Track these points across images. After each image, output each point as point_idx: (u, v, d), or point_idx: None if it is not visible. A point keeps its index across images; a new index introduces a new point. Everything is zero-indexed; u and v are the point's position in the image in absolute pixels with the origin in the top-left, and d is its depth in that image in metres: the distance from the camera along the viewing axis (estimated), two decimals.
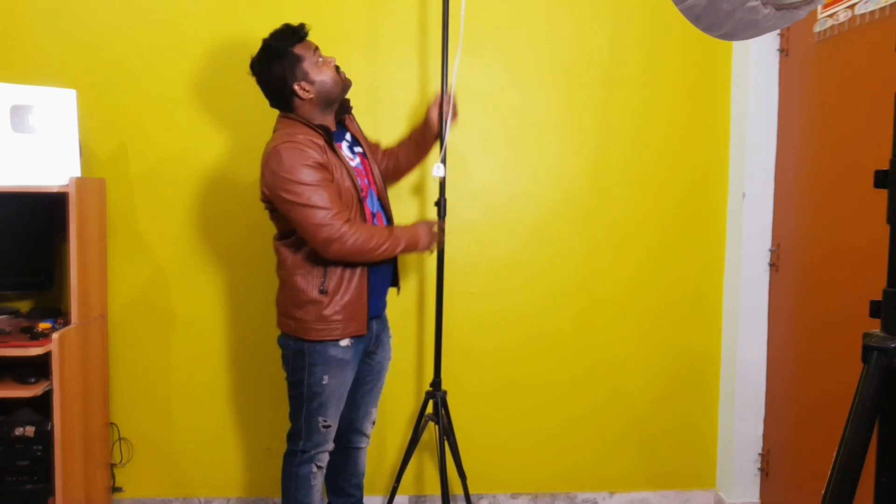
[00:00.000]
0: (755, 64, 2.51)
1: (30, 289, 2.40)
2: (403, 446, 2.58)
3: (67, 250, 2.18)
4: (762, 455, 2.60)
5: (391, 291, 2.21)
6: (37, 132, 2.16)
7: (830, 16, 2.17)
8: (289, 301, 2.00)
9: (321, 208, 1.84)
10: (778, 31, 2.45)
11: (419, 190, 2.55)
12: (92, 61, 2.44)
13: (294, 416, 2.07)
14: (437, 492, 2.64)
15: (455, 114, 2.19)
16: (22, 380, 2.09)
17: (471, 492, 2.47)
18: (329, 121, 2.02)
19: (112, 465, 2.51)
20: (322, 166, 1.86)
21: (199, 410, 2.55)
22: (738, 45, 2.60)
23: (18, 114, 2.14)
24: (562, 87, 2.58)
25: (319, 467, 2.08)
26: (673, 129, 2.62)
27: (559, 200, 2.61)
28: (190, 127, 2.47)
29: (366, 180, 2.04)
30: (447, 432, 2.30)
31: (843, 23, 2.11)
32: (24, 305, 2.46)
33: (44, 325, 2.16)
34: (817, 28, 2.25)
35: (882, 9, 1.93)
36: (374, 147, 2.27)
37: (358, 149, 2.09)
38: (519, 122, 2.58)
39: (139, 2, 2.44)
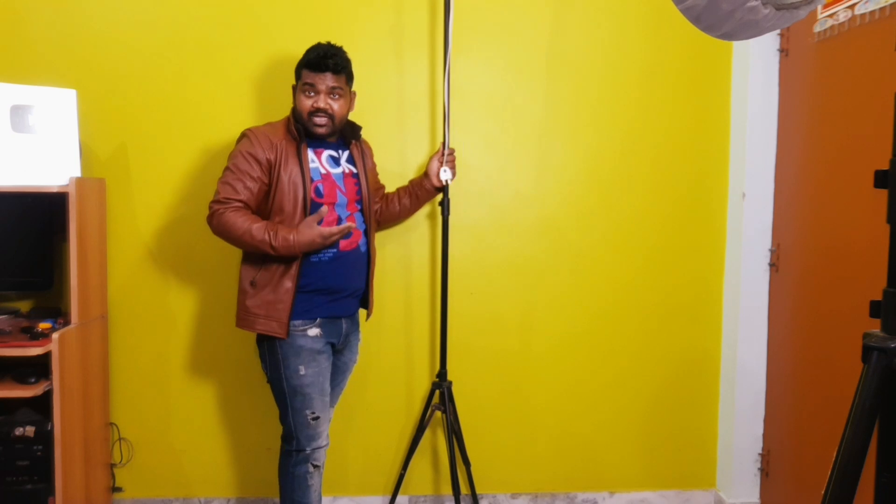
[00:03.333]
0: (755, 64, 2.51)
1: (30, 289, 2.40)
2: (401, 446, 2.59)
3: (67, 250, 2.18)
4: (762, 455, 2.60)
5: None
6: (37, 132, 2.16)
7: (830, 16, 2.17)
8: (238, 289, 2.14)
9: (223, 185, 2.01)
10: (778, 31, 2.45)
11: None
12: (92, 61, 2.44)
13: (282, 416, 2.09)
14: (437, 492, 2.64)
15: (454, 173, 2.35)
16: (22, 380, 2.09)
17: None
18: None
19: (112, 465, 2.51)
20: (254, 158, 2.00)
21: (199, 410, 2.55)
22: (738, 45, 2.60)
23: (18, 114, 2.14)
24: (562, 87, 2.58)
25: (316, 466, 2.10)
26: (673, 129, 2.62)
27: (560, 200, 2.61)
28: (190, 127, 2.47)
29: (338, 191, 2.09)
30: (453, 421, 2.36)
31: (843, 23, 2.11)
32: (24, 305, 2.46)
33: (44, 325, 2.16)
34: (817, 28, 2.25)
35: (882, 9, 1.93)
36: (379, 186, 2.40)
37: (350, 167, 2.16)
38: (519, 122, 2.58)
39: (139, 2, 2.44)
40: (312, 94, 2.03)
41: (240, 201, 2.00)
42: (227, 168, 2.03)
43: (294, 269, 2.02)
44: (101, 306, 2.40)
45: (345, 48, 2.08)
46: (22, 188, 2.14)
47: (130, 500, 2.56)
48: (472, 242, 2.60)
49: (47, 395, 2.08)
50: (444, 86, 2.37)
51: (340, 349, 2.21)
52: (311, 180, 2.03)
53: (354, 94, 2.16)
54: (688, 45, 2.59)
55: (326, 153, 2.11)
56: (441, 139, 2.45)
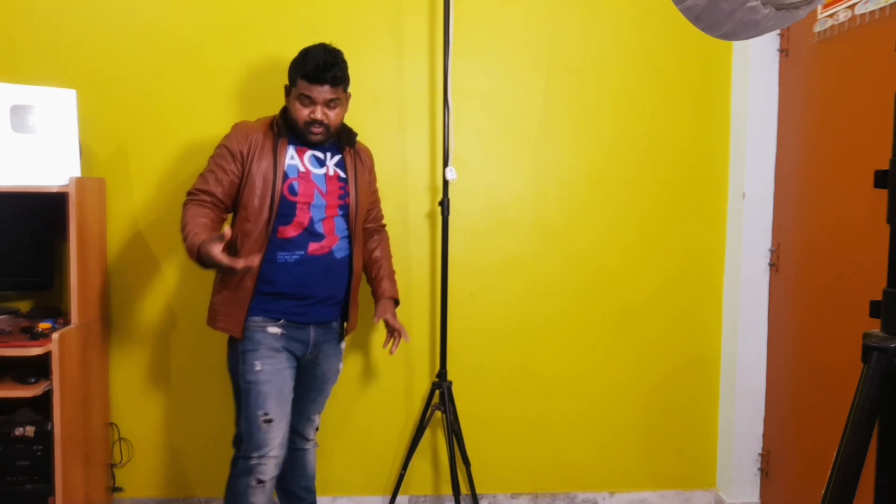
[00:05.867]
0: (755, 64, 2.51)
1: (30, 289, 2.40)
2: (401, 446, 2.58)
3: (67, 250, 2.17)
4: (762, 455, 2.60)
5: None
6: (37, 132, 2.16)
7: (830, 16, 2.17)
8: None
9: (199, 177, 2.00)
10: (778, 31, 2.45)
11: (423, 190, 2.55)
12: (92, 61, 2.44)
13: (237, 415, 2.01)
14: (437, 492, 2.64)
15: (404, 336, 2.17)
16: (22, 380, 2.09)
17: None
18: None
19: (112, 465, 2.51)
20: (228, 151, 1.96)
21: (198, 410, 2.55)
22: (738, 45, 2.60)
23: (18, 114, 2.14)
24: (562, 87, 2.58)
25: (260, 481, 1.91)
26: (673, 129, 2.62)
27: (560, 200, 2.61)
28: (190, 127, 2.47)
29: (316, 191, 2.00)
30: (453, 421, 2.36)
31: (843, 23, 2.11)
32: (24, 305, 2.46)
33: (44, 325, 2.16)
34: (817, 28, 2.25)
35: (882, 9, 1.93)
36: (372, 206, 2.27)
37: (338, 170, 2.06)
38: (519, 122, 2.58)
39: (139, 2, 2.44)
40: (309, 104, 1.96)
41: (208, 193, 1.96)
42: (208, 160, 2.03)
43: (256, 268, 1.94)
44: (101, 306, 2.40)
45: (344, 48, 2.05)
46: (22, 188, 2.14)
47: (130, 500, 2.56)
48: (472, 242, 2.60)
49: (47, 395, 2.08)
50: (444, 86, 2.37)
51: (311, 359, 2.09)
52: (286, 177, 1.96)
53: (349, 95, 2.07)
54: (688, 45, 2.59)
55: (310, 153, 2.04)
56: (441, 139, 2.45)
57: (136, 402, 2.53)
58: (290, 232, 1.97)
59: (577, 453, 2.68)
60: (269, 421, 1.92)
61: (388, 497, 2.55)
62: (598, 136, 2.60)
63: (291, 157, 2.00)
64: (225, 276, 1.96)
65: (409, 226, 2.56)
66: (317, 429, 2.21)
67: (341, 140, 2.10)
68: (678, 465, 2.71)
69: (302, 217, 1.97)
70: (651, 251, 2.64)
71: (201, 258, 1.79)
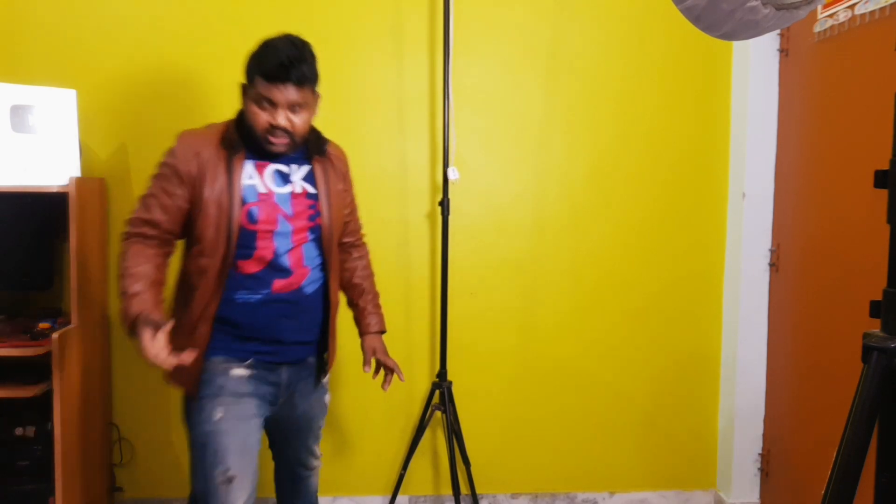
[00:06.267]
0: (755, 64, 2.51)
1: (30, 289, 2.40)
2: (401, 446, 2.58)
3: (67, 250, 2.18)
4: (762, 455, 2.60)
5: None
6: (37, 132, 2.16)
7: (830, 16, 2.17)
8: None
9: (140, 202, 1.67)
10: (778, 31, 2.45)
11: (423, 190, 2.55)
12: (92, 61, 2.44)
13: (191, 472, 1.67)
14: (437, 492, 2.64)
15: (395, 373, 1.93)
16: (22, 380, 2.09)
17: None
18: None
19: (112, 466, 2.51)
20: (174, 172, 1.62)
21: None
22: (738, 45, 2.60)
23: (18, 114, 2.14)
24: (561, 87, 2.58)
25: None
26: (673, 129, 2.62)
27: (560, 200, 2.61)
28: (190, 127, 2.47)
29: (280, 216, 1.66)
30: (453, 421, 2.36)
31: (843, 23, 2.11)
32: (24, 305, 2.46)
33: (44, 325, 2.16)
34: (817, 28, 2.25)
35: (882, 9, 1.93)
36: (350, 218, 1.93)
37: (306, 185, 1.72)
38: (519, 122, 2.58)
39: (139, 2, 2.44)
40: (269, 107, 1.61)
41: (151, 224, 1.63)
42: (149, 180, 1.67)
43: (212, 308, 1.62)
44: (101, 306, 2.40)
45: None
46: (22, 188, 2.14)
47: (130, 500, 2.56)
48: (472, 242, 2.60)
49: (47, 395, 2.08)
50: (444, 86, 2.37)
51: (286, 402, 1.77)
52: (244, 202, 1.62)
53: (318, 96, 1.70)
54: (688, 45, 2.59)
55: (272, 168, 1.68)
56: (441, 139, 2.45)
57: (136, 402, 2.53)
58: (251, 267, 1.64)
59: (577, 453, 2.68)
60: (230, 479, 1.59)
61: (388, 497, 2.55)
62: (598, 136, 2.60)
63: (250, 177, 1.65)
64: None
65: (409, 226, 2.56)
66: (318, 457, 1.93)
67: (309, 148, 1.75)
68: (678, 465, 2.71)
69: (264, 250, 1.64)
70: (651, 251, 2.64)
71: (133, 331, 1.50)
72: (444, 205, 2.38)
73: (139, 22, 2.45)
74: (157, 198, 1.64)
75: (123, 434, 2.52)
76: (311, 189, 1.72)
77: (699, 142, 2.64)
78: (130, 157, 2.48)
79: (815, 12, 2.23)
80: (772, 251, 2.55)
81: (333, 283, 1.79)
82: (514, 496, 2.67)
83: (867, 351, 0.96)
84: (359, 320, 1.97)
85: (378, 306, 1.99)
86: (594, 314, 2.65)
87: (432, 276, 2.57)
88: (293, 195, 1.70)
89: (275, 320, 1.67)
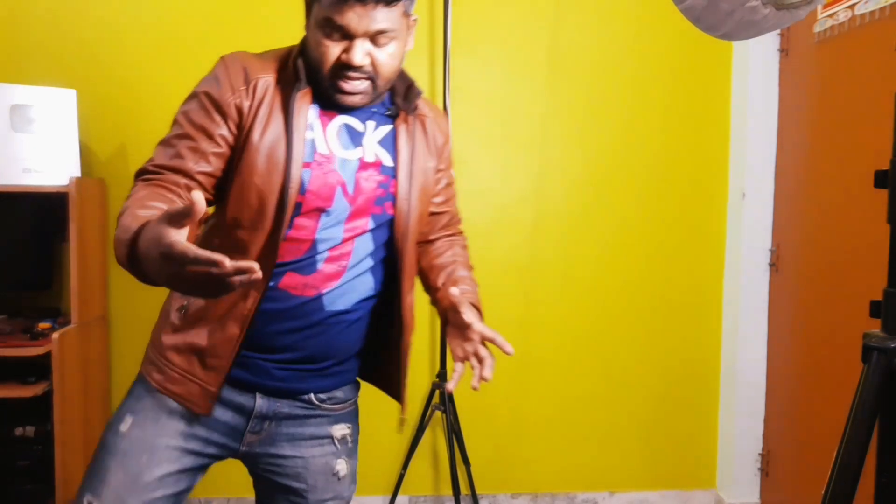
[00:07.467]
0: (755, 64, 2.51)
1: (30, 289, 2.40)
2: (401, 446, 2.58)
3: (67, 250, 2.18)
4: (762, 455, 2.59)
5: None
6: (37, 132, 2.16)
7: (830, 16, 2.17)
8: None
9: (160, 147, 1.18)
10: (778, 31, 2.45)
11: None
12: (92, 61, 2.44)
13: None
14: (437, 492, 2.64)
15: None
16: (22, 380, 2.09)
17: None
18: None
19: None
20: (215, 105, 1.14)
21: None
22: (738, 45, 2.59)
23: (18, 114, 2.14)
24: (561, 87, 2.58)
25: None
26: (673, 129, 2.62)
27: (560, 200, 2.61)
28: None
29: (338, 191, 1.16)
30: (453, 421, 2.36)
31: (843, 23, 2.11)
32: (24, 305, 2.46)
33: (44, 325, 2.16)
34: (817, 28, 2.25)
35: (882, 9, 1.93)
36: (442, 210, 1.45)
37: (383, 153, 1.22)
38: (519, 122, 2.58)
39: (139, 2, 2.44)
40: (340, 38, 1.10)
41: (180, 172, 1.12)
42: (174, 119, 1.18)
43: (250, 302, 1.14)
44: (101, 306, 2.40)
45: None
46: (22, 188, 2.14)
47: None
48: (472, 242, 2.58)
49: (47, 395, 2.08)
50: (444, 85, 2.36)
51: (257, 443, 1.27)
52: (301, 160, 1.13)
53: (415, 21, 1.20)
54: (688, 45, 2.59)
55: (341, 120, 1.19)
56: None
57: None
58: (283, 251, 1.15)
59: (577, 453, 2.68)
60: None
61: (388, 497, 2.54)
62: (597, 137, 2.60)
63: (311, 127, 1.16)
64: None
65: None
66: None
67: (394, 100, 1.25)
68: (678, 465, 2.71)
69: (302, 231, 1.15)
70: (651, 251, 2.64)
71: (141, 253, 0.91)
72: None
73: (139, 22, 2.45)
74: (188, 138, 1.13)
75: None
76: (387, 160, 1.21)
77: (699, 141, 2.64)
78: (130, 157, 2.48)
79: (815, 12, 2.23)
80: (772, 251, 2.55)
81: (407, 296, 1.28)
82: (514, 496, 2.67)
83: (867, 351, 0.96)
84: (443, 288, 1.36)
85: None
86: (594, 314, 2.64)
87: None
88: (362, 164, 1.19)
89: (266, 325, 1.17)
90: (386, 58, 1.13)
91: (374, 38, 1.10)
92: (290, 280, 1.16)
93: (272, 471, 1.31)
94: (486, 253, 2.60)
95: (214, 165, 1.13)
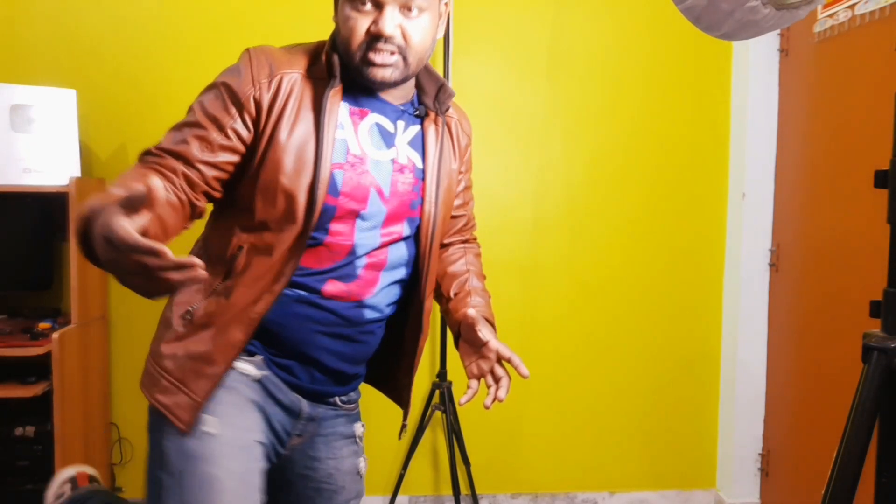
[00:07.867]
0: (755, 64, 2.51)
1: (30, 289, 2.40)
2: (401, 446, 2.58)
3: (67, 250, 2.18)
4: (762, 455, 2.59)
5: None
6: (37, 132, 2.16)
7: (830, 16, 2.17)
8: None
9: (170, 132, 1.10)
10: (778, 31, 2.45)
11: None
12: (92, 61, 2.44)
13: None
14: (437, 492, 2.64)
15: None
16: (22, 380, 2.09)
17: None
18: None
19: (112, 466, 2.51)
20: (236, 98, 1.07)
21: None
22: (738, 45, 2.60)
23: (18, 114, 2.14)
24: (562, 87, 2.58)
25: None
26: (673, 128, 2.62)
27: (560, 200, 2.61)
28: None
29: (373, 192, 1.13)
30: (453, 421, 2.36)
31: (843, 23, 2.11)
32: (24, 305, 2.46)
33: (44, 325, 2.16)
34: (817, 28, 2.25)
35: (882, 9, 1.93)
36: (461, 213, 1.43)
37: (413, 155, 1.20)
38: (519, 122, 2.58)
39: (139, 2, 2.44)
40: (370, 10, 1.08)
41: (181, 159, 1.06)
42: (190, 106, 1.12)
43: (260, 306, 1.09)
44: (101, 306, 2.40)
45: None
46: (22, 188, 2.14)
47: (130, 501, 2.55)
48: None
49: (47, 395, 2.08)
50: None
51: (299, 446, 1.23)
52: (330, 160, 1.09)
53: (447, 6, 1.18)
54: (688, 45, 2.59)
55: (373, 119, 1.16)
56: None
57: (136, 402, 2.52)
58: (310, 260, 1.12)
59: (577, 453, 2.68)
60: None
61: (388, 497, 2.55)
62: (597, 136, 2.60)
63: (341, 125, 1.12)
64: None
65: None
66: None
67: (422, 99, 1.22)
68: (678, 465, 2.71)
69: (338, 237, 1.12)
70: (651, 251, 2.64)
71: (92, 232, 0.87)
72: None
73: (139, 22, 2.45)
74: (199, 127, 1.07)
75: (123, 434, 2.52)
76: (419, 162, 1.19)
77: (699, 142, 2.64)
78: (130, 157, 2.48)
79: (815, 12, 2.23)
80: (772, 251, 2.55)
81: (426, 301, 1.24)
82: (514, 496, 2.67)
83: (867, 351, 0.96)
84: (455, 299, 1.34)
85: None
86: (594, 314, 2.64)
87: None
88: (395, 164, 1.16)
89: (310, 332, 1.15)
90: (416, 30, 1.10)
91: (403, 8, 1.08)
92: (333, 288, 1.14)
93: (306, 475, 1.26)
94: (486, 252, 2.58)
95: (221, 158, 1.08)
